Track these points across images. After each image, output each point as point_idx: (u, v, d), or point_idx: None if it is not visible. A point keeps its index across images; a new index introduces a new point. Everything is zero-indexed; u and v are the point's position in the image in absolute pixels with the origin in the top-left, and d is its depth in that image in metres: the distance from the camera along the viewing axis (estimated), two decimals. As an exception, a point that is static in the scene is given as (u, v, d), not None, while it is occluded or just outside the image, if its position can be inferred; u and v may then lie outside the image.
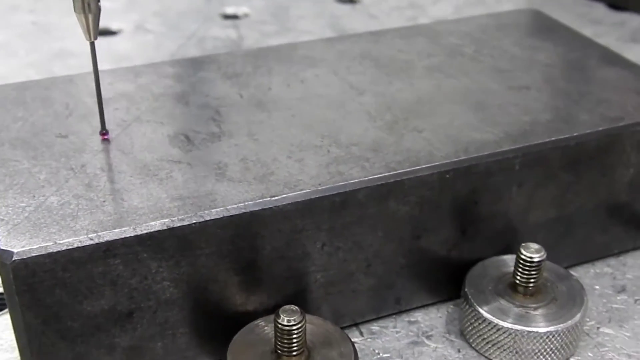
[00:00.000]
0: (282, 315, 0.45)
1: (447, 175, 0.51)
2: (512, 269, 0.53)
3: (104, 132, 0.52)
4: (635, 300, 0.56)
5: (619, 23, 1.00)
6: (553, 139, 0.53)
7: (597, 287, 0.58)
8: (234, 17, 1.02)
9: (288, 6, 1.05)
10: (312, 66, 0.62)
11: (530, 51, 0.65)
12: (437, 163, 0.51)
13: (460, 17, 0.75)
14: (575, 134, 0.54)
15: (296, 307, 0.46)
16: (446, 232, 0.53)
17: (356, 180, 0.49)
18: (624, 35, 0.97)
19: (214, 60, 0.63)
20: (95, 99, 0.55)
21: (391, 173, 0.50)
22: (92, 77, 0.56)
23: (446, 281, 0.55)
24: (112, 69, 0.62)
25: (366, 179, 0.49)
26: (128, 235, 0.44)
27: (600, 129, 0.55)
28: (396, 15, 1.02)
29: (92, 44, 0.50)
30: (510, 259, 0.55)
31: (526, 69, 0.62)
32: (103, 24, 0.97)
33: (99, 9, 0.48)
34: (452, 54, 0.65)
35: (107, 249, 0.44)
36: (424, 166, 0.50)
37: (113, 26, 0.98)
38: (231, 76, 0.60)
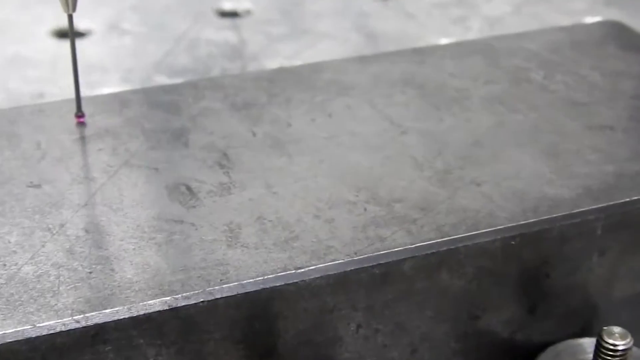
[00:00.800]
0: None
1: (513, 242, 0.53)
2: (590, 355, 0.55)
3: (79, 114, 0.57)
4: None
5: None
6: (644, 196, 0.56)
7: (696, 379, 0.60)
8: (233, 14, 1.05)
9: (301, 0, 1.08)
10: (341, 94, 0.65)
11: (614, 78, 0.68)
12: (500, 227, 0.53)
13: (519, 22, 0.77)
14: (671, 190, 0.57)
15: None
16: (510, 310, 0.56)
17: (401, 249, 0.51)
18: None
19: (218, 85, 0.66)
20: (73, 136, 0.58)
21: (444, 239, 0.52)
22: (68, 106, 0.59)
23: (509, 371, 0.58)
24: (92, 96, 0.65)
25: (413, 246, 0.52)
26: (121, 317, 0.47)
27: (703, 183, 0.57)
28: (439, 15, 1.05)
29: (70, 17, 0.56)
30: (588, 342, 0.57)
31: (609, 102, 0.65)
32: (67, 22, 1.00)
33: None
34: (516, 81, 0.68)
35: (96, 334, 0.47)
36: (485, 231, 0.53)
37: (80, 25, 1.01)
38: (241, 107, 0.63)
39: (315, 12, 1.05)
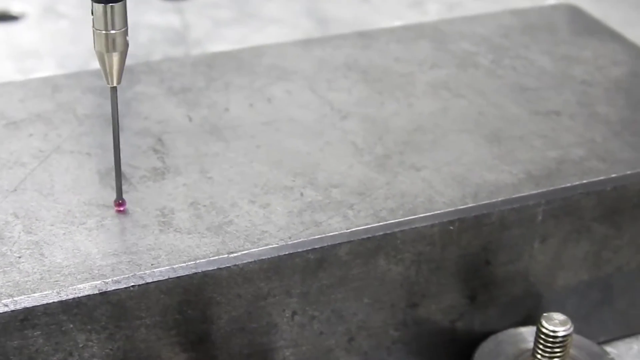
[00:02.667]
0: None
1: (452, 227, 0.57)
2: (532, 344, 0.59)
3: (119, 201, 0.56)
4: (690, 387, 0.63)
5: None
6: (586, 181, 0.60)
7: (642, 368, 0.64)
8: (178, -3, 1.08)
9: (249, -17, 1.11)
10: (282, 79, 0.69)
11: (564, 63, 0.72)
12: (439, 212, 0.57)
13: (479, 6, 0.80)
14: (614, 176, 0.60)
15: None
16: (450, 298, 0.59)
17: (337, 233, 0.55)
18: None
19: (155, 70, 0.70)
20: (3, 121, 0.61)
21: (381, 224, 0.56)
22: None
23: (450, 360, 0.61)
24: (23, 80, 0.68)
25: (349, 231, 0.55)
26: (51, 301, 0.50)
27: (646, 169, 0.61)
28: (395, 0, 1.08)
29: (114, 89, 0.54)
30: (530, 331, 0.60)
31: (557, 88, 0.69)
32: (-1, 4, 1.03)
33: (126, 45, 0.52)
34: (463, 65, 0.72)
35: (25, 318, 0.50)
36: (423, 215, 0.57)
37: (13, 8, 1.03)
38: (177, 92, 0.67)
39: (263, -5, 1.08)
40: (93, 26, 0.51)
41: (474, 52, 0.73)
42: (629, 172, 0.61)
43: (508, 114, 0.66)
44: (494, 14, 0.80)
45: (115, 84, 0.54)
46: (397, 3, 1.08)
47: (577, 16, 0.80)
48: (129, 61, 0.91)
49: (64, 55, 0.95)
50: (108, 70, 0.52)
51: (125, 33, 0.51)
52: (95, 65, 0.89)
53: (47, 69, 0.92)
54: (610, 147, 0.63)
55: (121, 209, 0.56)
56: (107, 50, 0.51)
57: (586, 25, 0.78)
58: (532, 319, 0.62)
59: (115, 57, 0.52)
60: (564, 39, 0.76)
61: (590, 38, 0.76)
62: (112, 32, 0.51)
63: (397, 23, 1.01)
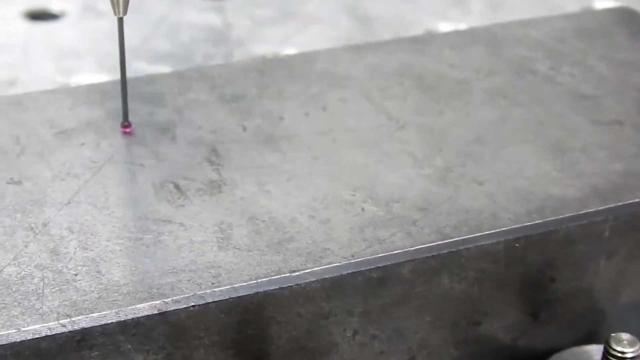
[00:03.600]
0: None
1: (517, 245, 0.56)
2: (596, 363, 0.58)
3: (125, 124, 0.60)
4: None
5: None
6: (653, 196, 0.58)
7: None
8: (218, -4, 1.06)
9: (289, -19, 1.10)
10: (335, 86, 0.67)
11: (623, 69, 0.71)
12: (503, 229, 0.56)
13: (529, 18, 0.79)
14: (682, 190, 0.59)
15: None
16: (513, 316, 0.58)
17: (401, 252, 0.54)
18: None
19: (206, 76, 0.68)
20: (54, 130, 0.60)
21: (446, 242, 0.54)
22: (47, 98, 0.61)
23: (511, 379, 0.60)
24: (72, 87, 0.67)
25: (413, 249, 0.54)
26: (109, 322, 0.49)
27: None
28: (438, -2, 1.07)
29: (121, 20, 0.59)
30: (595, 350, 0.59)
31: (617, 96, 0.67)
32: (40, 3, 1.02)
33: None
34: (520, 72, 0.70)
35: (82, 339, 0.49)
36: (488, 233, 0.55)
37: (53, 7, 1.02)
38: (230, 100, 0.65)
39: (303, -7, 1.07)
40: None
41: (531, 57, 0.72)
42: (697, 186, 0.59)
43: (568, 123, 0.65)
44: (547, 18, 0.78)
45: (121, 15, 0.60)
46: (439, 1, 1.06)
47: (633, 19, 0.78)
48: (174, 63, 0.92)
49: (104, 54, 0.94)
50: (115, 2, 0.59)
51: None
52: (139, 66, 0.90)
53: (87, 68, 0.91)
54: (677, 160, 0.61)
55: (127, 130, 0.61)
56: None
57: (643, 30, 0.76)
58: (596, 336, 0.61)
59: None
60: (622, 44, 0.74)
61: (648, 43, 0.74)
62: None
63: (442, 23, 1.00)
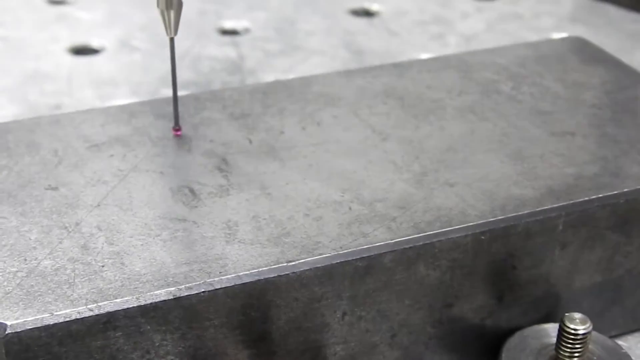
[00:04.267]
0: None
1: (483, 237, 0.55)
2: (554, 339, 0.57)
3: (176, 127, 0.60)
4: (693, 376, 0.60)
5: (676, 44, 1.04)
6: (600, 195, 0.57)
7: (649, 359, 0.61)
8: (233, 32, 1.06)
9: (294, 20, 1.09)
10: (329, 105, 0.66)
11: (575, 89, 0.70)
12: (471, 223, 0.55)
13: (491, 38, 0.78)
14: (625, 190, 0.58)
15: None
16: (481, 299, 0.57)
17: (382, 244, 0.53)
18: (683, 59, 1.01)
19: (218, 97, 0.67)
20: (87, 144, 0.59)
21: (420, 235, 0.53)
22: (81, 117, 0.60)
23: (480, 353, 0.59)
24: (103, 108, 0.66)
25: (393, 241, 0.53)
26: (131, 306, 0.48)
27: (654, 184, 0.58)
28: (419, 32, 1.06)
29: (172, 40, 0.59)
30: (552, 327, 0.58)
31: (571, 111, 0.66)
32: (82, 40, 1.02)
33: (180, 5, 0.57)
34: (486, 92, 0.69)
35: (108, 321, 0.48)
36: (457, 227, 0.54)
37: (93, 43, 1.02)
38: (238, 117, 0.65)
39: (306, 30, 1.07)
40: None
41: (496, 80, 0.71)
42: (638, 187, 0.58)
43: (528, 135, 0.63)
44: (510, 46, 0.77)
45: (173, 35, 0.59)
46: (421, 36, 1.06)
47: (584, 47, 0.77)
48: (195, 89, 0.91)
49: (137, 83, 0.93)
50: (167, 24, 0.58)
51: None
52: (166, 92, 0.89)
53: (122, 95, 0.90)
54: (621, 164, 0.60)
55: (178, 133, 0.61)
56: (167, 8, 0.57)
57: (592, 55, 0.75)
58: (553, 316, 0.60)
59: (172, 13, 0.57)
60: (574, 67, 0.73)
61: (597, 66, 0.73)
62: None
63: (423, 54, 0.99)
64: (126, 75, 0.95)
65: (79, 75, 0.94)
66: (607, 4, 1.14)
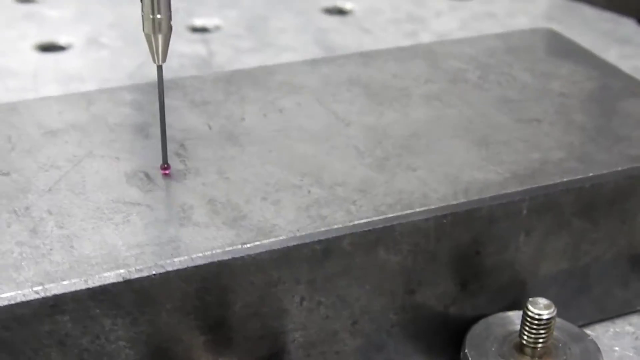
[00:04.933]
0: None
1: (445, 221, 0.54)
2: (518, 327, 0.55)
3: (165, 165, 0.55)
4: (661, 365, 0.59)
5: (651, 42, 1.04)
6: (565, 180, 0.56)
7: (616, 348, 0.60)
8: (204, 30, 1.05)
9: (267, 17, 1.08)
10: (292, 93, 0.65)
11: (543, 79, 0.69)
12: (433, 207, 0.53)
13: (465, 36, 0.78)
14: (590, 175, 0.57)
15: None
16: (444, 285, 0.56)
17: (340, 226, 0.51)
18: (656, 56, 1.00)
19: (179, 85, 0.66)
20: (42, 130, 0.58)
21: (380, 218, 0.52)
22: (38, 104, 0.59)
23: (444, 341, 0.58)
24: (61, 95, 0.64)
25: (351, 224, 0.52)
26: (79, 289, 0.47)
27: (620, 169, 0.57)
28: (393, 30, 1.05)
29: (160, 68, 0.54)
30: (516, 315, 0.57)
31: (538, 100, 0.65)
32: (50, 37, 1.00)
33: (170, 29, 0.52)
34: (453, 81, 0.68)
35: (55, 305, 0.46)
36: (418, 210, 0.53)
37: (61, 40, 1.01)
38: (199, 104, 0.63)
39: (279, 28, 1.06)
40: (142, 11, 0.51)
41: (463, 69, 0.70)
42: (604, 172, 0.57)
43: (494, 121, 0.62)
44: (480, 37, 0.76)
45: (160, 63, 0.53)
46: (394, 34, 1.05)
47: (555, 38, 0.76)
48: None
49: (105, 79, 0.92)
50: (155, 50, 0.53)
51: (169, 18, 0.52)
52: (128, 82, 0.87)
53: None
54: (587, 150, 0.59)
55: (166, 172, 0.56)
56: (154, 32, 0.52)
57: (562, 46, 0.74)
58: (518, 304, 0.58)
59: (161, 39, 0.52)
60: (543, 58, 0.72)
61: (566, 57, 0.72)
62: (158, 16, 0.51)
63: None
64: (94, 72, 0.94)
65: (45, 72, 0.93)
66: (581, 4, 1.13)
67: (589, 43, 0.97)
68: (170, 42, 0.98)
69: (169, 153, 0.57)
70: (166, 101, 0.63)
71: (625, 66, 0.80)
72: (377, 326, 0.55)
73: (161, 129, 0.55)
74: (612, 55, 0.97)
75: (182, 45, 1.00)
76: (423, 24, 1.07)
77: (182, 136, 0.59)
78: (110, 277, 0.47)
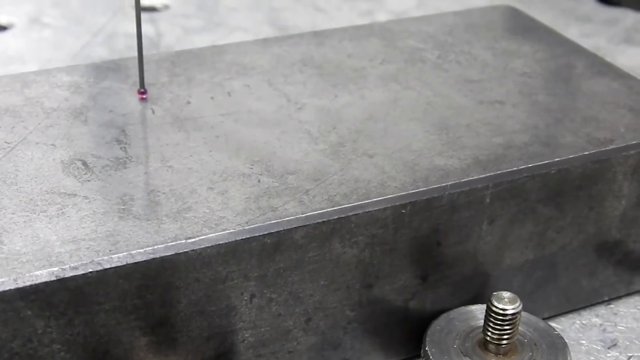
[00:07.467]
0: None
1: (404, 211, 0.50)
2: (482, 322, 0.53)
3: (142, 90, 0.54)
4: (629, 358, 0.57)
5: (610, 21, 1.02)
6: (530, 165, 0.53)
7: (583, 341, 0.58)
8: (152, 9, 1.01)
9: (217, -4, 1.05)
10: (241, 74, 0.62)
11: (505, 57, 0.66)
12: (391, 196, 0.50)
13: (422, 14, 0.75)
14: (556, 160, 0.54)
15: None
16: (403, 279, 0.53)
17: (292, 218, 0.48)
18: (617, 35, 0.98)
19: (121, 67, 0.62)
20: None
21: (335, 208, 0.49)
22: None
23: (404, 338, 0.55)
24: (-6, 77, 0.60)
25: (304, 215, 0.48)
26: (7, 288, 0.43)
27: (587, 153, 0.55)
28: (348, 9, 1.03)
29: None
30: (480, 309, 0.54)
31: (500, 80, 0.63)
32: (-11, 16, 0.96)
33: None
34: (411, 61, 0.65)
35: (-19, 306, 0.43)
36: (375, 200, 0.50)
37: (1, 19, 0.97)
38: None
39: (229, 7, 1.02)
40: None
41: (421, 48, 0.66)
42: (571, 156, 0.55)
43: (454, 103, 0.59)
44: (437, 15, 0.73)
45: None
46: (349, 12, 1.02)
47: (515, 15, 0.73)
48: (103, 54, 0.86)
49: (47, 60, 0.88)
50: None
51: None
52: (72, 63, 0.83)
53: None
54: (552, 133, 0.57)
55: (144, 97, 0.56)
56: None
57: (524, 24, 0.72)
58: (482, 297, 0.56)
59: None
60: (504, 36, 0.69)
61: (528, 34, 0.69)
62: None
63: (350, 29, 0.95)
64: (35, 52, 0.90)
65: (-17, 53, 0.89)
66: (541, -19, 1.11)
67: (549, 21, 0.95)
68: (116, 22, 0.95)
69: (108, 140, 0.54)
70: (106, 83, 0.60)
71: (587, 44, 0.78)
72: (333, 323, 0.52)
73: (138, 52, 0.55)
74: (572, 33, 0.94)
75: (128, 25, 0.96)
76: (379, 2, 1.05)
77: (123, 121, 0.56)
78: (42, 275, 0.44)
